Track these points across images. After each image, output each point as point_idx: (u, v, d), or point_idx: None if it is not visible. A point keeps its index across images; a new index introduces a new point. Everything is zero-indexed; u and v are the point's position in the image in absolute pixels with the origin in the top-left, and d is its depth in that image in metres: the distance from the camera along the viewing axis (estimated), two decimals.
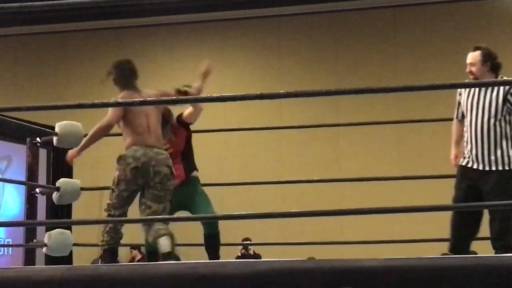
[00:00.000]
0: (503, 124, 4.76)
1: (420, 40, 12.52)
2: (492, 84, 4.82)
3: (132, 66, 5.09)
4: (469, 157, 4.81)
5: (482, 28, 12.37)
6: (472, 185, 4.78)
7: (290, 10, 12.92)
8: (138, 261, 11.53)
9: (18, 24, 12.97)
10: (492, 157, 4.72)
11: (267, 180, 6.85)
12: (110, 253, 4.93)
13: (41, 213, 7.15)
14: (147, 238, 4.87)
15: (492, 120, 4.75)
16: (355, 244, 7.75)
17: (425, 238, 5.94)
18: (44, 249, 5.26)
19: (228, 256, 5.21)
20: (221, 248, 5.46)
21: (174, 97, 4.68)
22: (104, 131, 4.98)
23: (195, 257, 5.39)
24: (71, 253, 6.13)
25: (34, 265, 5.51)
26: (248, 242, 9.08)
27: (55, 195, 5.46)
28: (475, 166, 4.77)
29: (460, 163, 4.87)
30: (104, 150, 12.66)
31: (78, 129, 5.46)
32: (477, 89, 4.86)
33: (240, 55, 12.47)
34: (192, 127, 5.43)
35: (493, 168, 4.71)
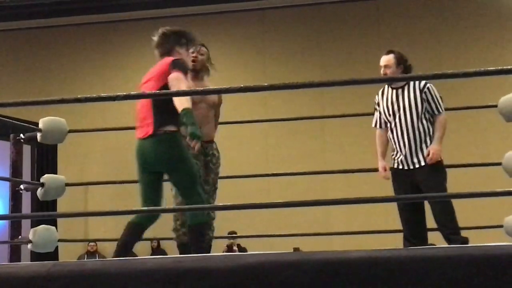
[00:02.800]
0: (424, 122, 5.06)
1: (404, 31, 12.55)
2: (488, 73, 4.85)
3: None
4: (398, 159, 5.12)
5: (465, 19, 12.42)
6: (410, 185, 5.05)
7: (273, 3, 12.92)
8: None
9: None
10: (420, 155, 5.03)
11: (252, 173, 6.84)
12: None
13: (26, 210, 7.11)
14: None
15: (415, 120, 5.04)
16: (341, 235, 7.76)
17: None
18: (29, 246, 5.23)
19: (214, 249, 5.19)
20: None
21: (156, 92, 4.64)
22: None
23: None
24: (57, 249, 6.10)
25: (20, 262, 5.48)
26: (234, 235, 9.08)
27: (39, 191, 5.43)
28: (406, 167, 5.08)
29: (391, 166, 5.18)
30: (89, 146, 12.69)
31: (62, 124, 5.42)
32: (394, 95, 5.13)
33: (225, 48, 12.45)
34: None
35: (422, 164, 5.02)
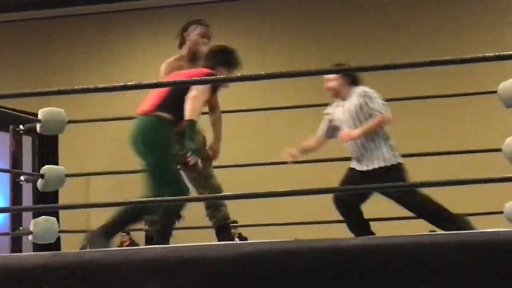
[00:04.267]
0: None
1: (403, 18, 12.52)
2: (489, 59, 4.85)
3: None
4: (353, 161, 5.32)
5: (463, 4, 12.40)
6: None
7: None
8: (127, 246, 11.53)
9: None
10: (367, 158, 5.21)
11: (253, 162, 6.83)
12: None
13: (27, 202, 7.12)
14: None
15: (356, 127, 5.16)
16: (343, 223, 7.76)
17: (409, 215, 5.96)
18: (30, 237, 5.25)
19: (214, 239, 5.20)
20: (206, 231, 5.45)
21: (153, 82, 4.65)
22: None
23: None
24: (59, 240, 6.11)
25: (21, 253, 5.49)
26: (235, 224, 9.07)
27: (39, 182, 5.44)
28: (358, 168, 5.29)
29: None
30: (90, 137, 12.68)
31: (61, 115, 5.43)
32: (342, 103, 5.26)
33: (223, 36, 12.40)
34: None
35: (370, 168, 5.20)
